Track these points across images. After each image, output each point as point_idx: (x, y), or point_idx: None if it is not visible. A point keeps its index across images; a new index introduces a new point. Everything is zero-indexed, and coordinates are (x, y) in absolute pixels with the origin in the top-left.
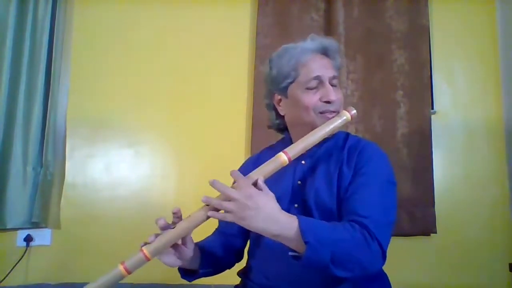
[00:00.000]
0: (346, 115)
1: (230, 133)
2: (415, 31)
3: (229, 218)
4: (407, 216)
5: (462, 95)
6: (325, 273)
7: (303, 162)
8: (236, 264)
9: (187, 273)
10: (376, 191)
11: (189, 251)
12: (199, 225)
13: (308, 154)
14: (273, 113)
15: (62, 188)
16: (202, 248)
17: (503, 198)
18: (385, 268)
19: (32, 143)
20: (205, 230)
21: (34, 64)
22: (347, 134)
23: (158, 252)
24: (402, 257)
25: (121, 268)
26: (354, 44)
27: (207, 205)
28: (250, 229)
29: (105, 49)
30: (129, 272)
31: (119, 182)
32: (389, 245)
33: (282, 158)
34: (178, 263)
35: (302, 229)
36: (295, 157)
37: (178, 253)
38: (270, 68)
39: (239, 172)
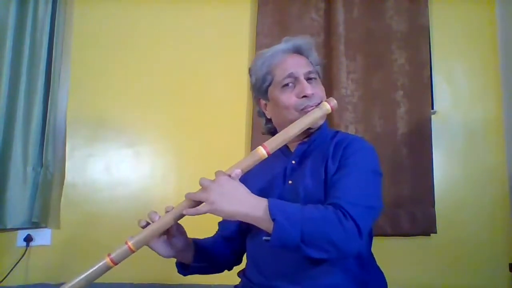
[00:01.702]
0: (326, 106)
1: (230, 134)
2: (415, 31)
3: (201, 209)
4: (407, 216)
5: (462, 95)
6: (299, 254)
7: (293, 162)
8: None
9: (182, 267)
10: (357, 179)
11: (178, 240)
12: (180, 218)
13: (297, 153)
14: (264, 119)
15: (62, 188)
16: (198, 243)
17: (503, 198)
18: (385, 268)
19: (32, 143)
20: (206, 233)
21: (34, 64)
22: (336, 132)
23: (141, 244)
24: (402, 257)
25: (107, 259)
26: (354, 44)
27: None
28: (220, 215)
29: (105, 49)
30: (115, 263)
31: (119, 182)
32: (389, 245)
33: (261, 151)
34: (171, 253)
35: (270, 208)
36: (274, 151)
37: (168, 242)
38: (250, 76)
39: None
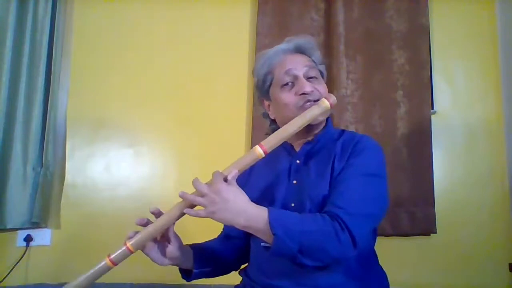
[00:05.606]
0: (324, 103)
1: (230, 133)
2: (415, 31)
3: (201, 213)
4: (407, 216)
5: (462, 95)
6: (295, 262)
7: (297, 161)
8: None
9: (185, 273)
10: (357, 183)
11: (173, 249)
12: (177, 219)
13: (301, 152)
14: (268, 120)
15: (62, 188)
16: (198, 248)
17: (503, 198)
18: (385, 268)
19: (32, 143)
20: (210, 234)
21: (34, 64)
22: (343, 131)
23: (140, 245)
24: (402, 257)
25: (107, 260)
26: (354, 44)
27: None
28: (221, 223)
29: (105, 49)
30: (114, 264)
31: (119, 182)
32: (389, 245)
33: (258, 151)
34: (165, 260)
35: (271, 222)
36: (271, 150)
37: (164, 250)
38: (254, 77)
39: (218, 170)
